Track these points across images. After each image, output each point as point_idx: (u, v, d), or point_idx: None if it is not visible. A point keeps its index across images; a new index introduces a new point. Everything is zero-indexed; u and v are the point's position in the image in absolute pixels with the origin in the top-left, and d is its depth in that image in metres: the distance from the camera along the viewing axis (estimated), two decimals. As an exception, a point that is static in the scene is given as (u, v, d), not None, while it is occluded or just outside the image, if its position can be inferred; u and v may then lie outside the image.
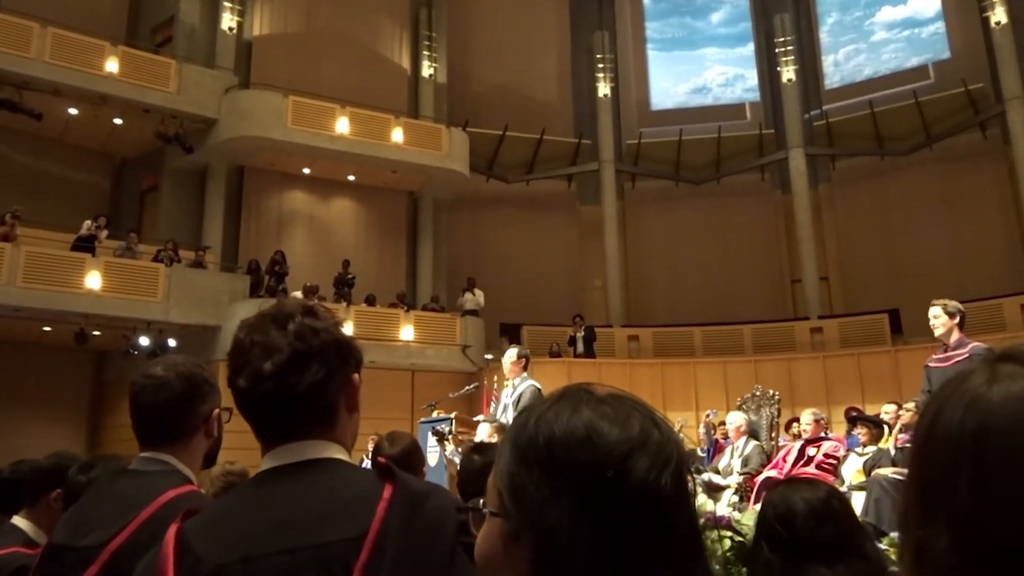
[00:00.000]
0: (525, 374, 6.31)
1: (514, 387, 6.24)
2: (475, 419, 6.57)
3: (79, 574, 1.44)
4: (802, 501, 1.59)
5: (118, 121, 14.54)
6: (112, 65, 13.90)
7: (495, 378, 6.72)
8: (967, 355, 5.13)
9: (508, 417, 6.01)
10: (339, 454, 1.14)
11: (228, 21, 16.30)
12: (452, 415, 7.01)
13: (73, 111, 14.06)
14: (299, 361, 1.13)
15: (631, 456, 0.74)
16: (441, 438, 5.84)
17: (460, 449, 5.86)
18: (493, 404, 6.72)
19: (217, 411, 1.66)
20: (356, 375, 1.20)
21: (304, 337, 1.14)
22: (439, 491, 1.12)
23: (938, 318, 5.25)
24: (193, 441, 1.63)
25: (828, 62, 19.70)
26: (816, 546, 1.54)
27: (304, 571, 1.00)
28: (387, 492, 1.05)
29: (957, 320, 5.23)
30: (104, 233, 13.39)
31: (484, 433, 5.62)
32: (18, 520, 2.33)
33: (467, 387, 6.84)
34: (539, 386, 6.13)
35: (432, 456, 6.25)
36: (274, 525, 1.03)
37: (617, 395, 0.80)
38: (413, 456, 3.00)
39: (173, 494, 1.49)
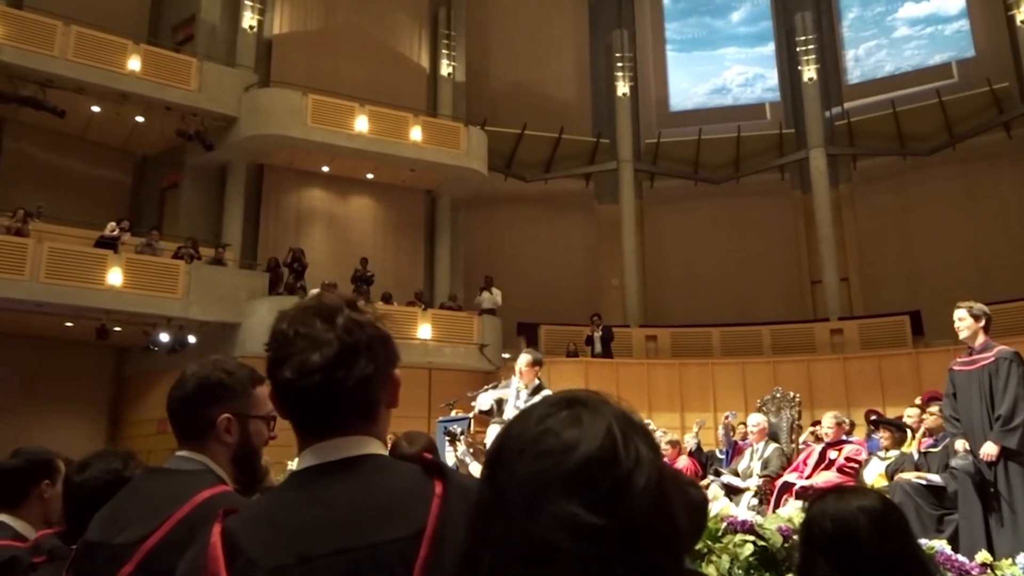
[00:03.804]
0: (538, 381, 6.33)
1: (528, 392, 6.23)
2: (477, 396, 6.56)
3: (112, 571, 1.44)
4: (863, 513, 1.49)
5: (140, 119, 14.65)
6: (134, 63, 14.02)
7: (512, 378, 6.71)
8: (992, 359, 5.06)
9: None
10: (380, 450, 1.13)
11: (248, 20, 16.39)
12: (470, 415, 7.02)
13: (95, 109, 14.19)
14: (348, 355, 1.10)
15: (499, 459, 0.75)
16: (453, 438, 5.83)
17: (472, 450, 5.86)
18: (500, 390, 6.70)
19: (227, 416, 1.61)
20: (397, 371, 1.19)
21: (352, 331, 1.12)
22: None
23: (963, 320, 5.17)
24: (210, 444, 1.61)
25: (848, 57, 19.52)
26: (884, 562, 1.46)
27: (364, 571, 0.99)
28: (439, 488, 1.03)
29: (983, 323, 5.15)
30: (127, 235, 13.52)
31: (494, 434, 5.61)
32: (3, 517, 2.33)
33: (485, 387, 6.83)
34: (550, 393, 6.10)
35: (449, 457, 6.25)
36: (327, 524, 1.01)
37: (582, 400, 0.78)
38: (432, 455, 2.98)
39: (208, 494, 1.48)
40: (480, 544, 0.74)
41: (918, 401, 8.22)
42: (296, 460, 1.14)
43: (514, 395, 6.34)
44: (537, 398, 6.09)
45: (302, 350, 1.10)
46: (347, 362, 1.10)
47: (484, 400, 6.40)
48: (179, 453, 1.62)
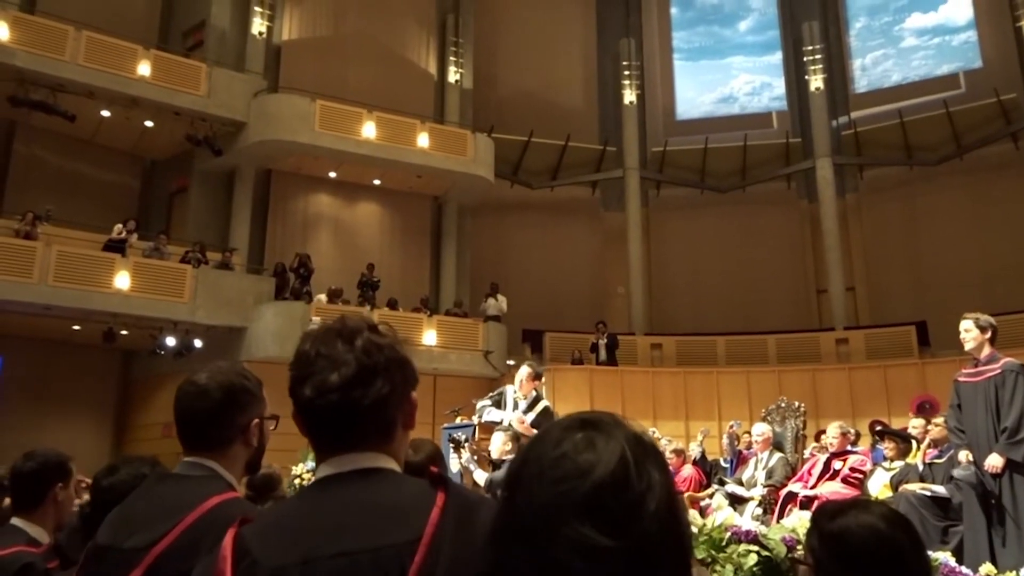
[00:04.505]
0: (535, 393, 6.39)
1: (527, 404, 6.29)
2: (482, 405, 6.64)
3: (122, 575, 1.46)
4: (899, 528, 1.50)
5: (149, 123, 14.74)
6: (144, 68, 14.11)
7: (507, 386, 6.78)
8: (999, 370, 5.05)
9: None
10: (393, 466, 1.17)
11: (258, 25, 16.48)
12: (475, 421, 7.02)
13: (105, 113, 14.28)
14: (365, 375, 1.15)
15: (518, 483, 0.80)
16: (457, 446, 5.85)
17: (476, 457, 5.87)
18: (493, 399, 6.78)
19: (257, 421, 1.66)
20: (414, 393, 1.22)
21: (371, 352, 1.16)
22: (489, 502, 1.15)
23: (969, 332, 5.16)
24: (232, 449, 1.63)
25: (855, 66, 19.53)
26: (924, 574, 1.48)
27: (362, 574, 1.03)
28: (440, 499, 1.08)
29: (989, 335, 5.13)
30: (134, 237, 13.58)
31: (499, 442, 5.65)
32: (17, 521, 2.32)
33: (490, 393, 6.85)
34: (548, 405, 6.38)
35: (453, 464, 6.26)
36: (331, 529, 1.06)
37: (596, 423, 0.82)
38: (436, 464, 3.00)
39: (217, 500, 1.50)
40: (498, 564, 0.78)
41: (911, 416, 8.22)
42: (299, 466, 1.18)
43: (511, 405, 6.38)
44: (536, 409, 6.17)
45: (322, 370, 1.15)
46: (364, 382, 1.14)
47: (492, 415, 6.43)
48: (187, 459, 1.63)
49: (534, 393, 6.37)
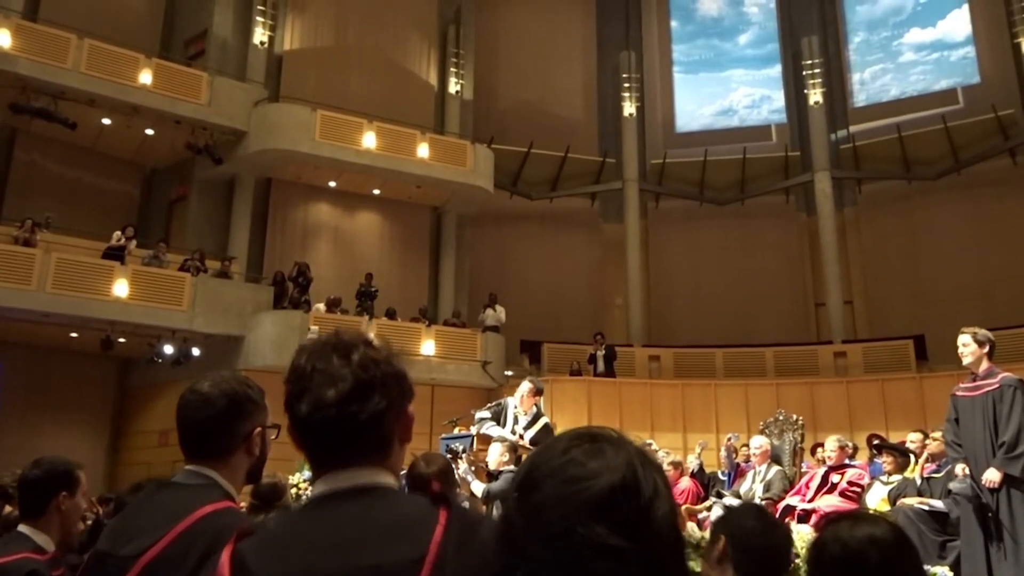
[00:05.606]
0: (536, 408, 6.40)
1: (527, 419, 6.31)
2: (481, 417, 6.66)
3: None
4: (874, 544, 1.47)
5: (150, 131, 14.77)
6: (146, 77, 14.16)
7: (508, 398, 6.80)
8: (997, 385, 5.05)
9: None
10: (391, 481, 1.16)
11: (260, 35, 16.55)
12: (472, 432, 7.01)
13: (106, 121, 14.31)
14: (362, 390, 1.14)
15: (530, 484, 0.83)
16: (454, 456, 5.86)
17: (474, 468, 5.87)
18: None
19: (259, 430, 1.66)
20: (411, 407, 1.22)
21: (367, 367, 1.15)
22: (491, 520, 1.14)
23: (967, 346, 5.17)
24: (234, 458, 1.63)
25: (854, 80, 19.62)
26: None
27: None
28: (443, 517, 1.07)
29: (987, 349, 5.15)
30: (133, 243, 13.58)
31: (496, 453, 5.65)
32: (24, 528, 2.33)
33: (490, 404, 6.86)
34: (549, 422, 6.47)
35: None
36: (331, 546, 1.05)
37: (602, 435, 0.85)
38: (447, 477, 3.05)
39: (209, 509, 1.50)
40: (513, 561, 0.80)
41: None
42: (296, 475, 1.17)
43: (511, 419, 6.38)
44: (537, 426, 6.19)
45: (318, 385, 1.14)
46: (361, 397, 1.14)
47: (491, 431, 6.44)
48: (187, 467, 1.63)
49: (535, 408, 6.39)
